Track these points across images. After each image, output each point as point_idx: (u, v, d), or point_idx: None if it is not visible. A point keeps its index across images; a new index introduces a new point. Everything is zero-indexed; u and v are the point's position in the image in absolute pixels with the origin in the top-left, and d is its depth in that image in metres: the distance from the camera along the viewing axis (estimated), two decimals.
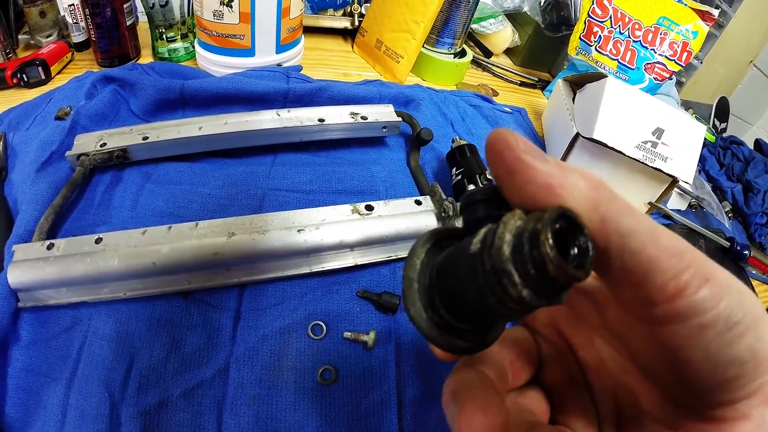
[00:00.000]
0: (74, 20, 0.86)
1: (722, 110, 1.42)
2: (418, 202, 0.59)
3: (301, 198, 0.65)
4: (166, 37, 0.90)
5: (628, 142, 0.74)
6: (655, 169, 0.75)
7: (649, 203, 0.83)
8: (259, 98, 0.77)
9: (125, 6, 0.82)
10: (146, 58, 0.91)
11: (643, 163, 0.74)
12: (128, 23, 0.84)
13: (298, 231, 0.53)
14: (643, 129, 0.76)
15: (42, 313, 0.49)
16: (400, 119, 0.74)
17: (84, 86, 0.74)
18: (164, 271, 0.50)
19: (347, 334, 0.53)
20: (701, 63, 1.35)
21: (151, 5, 0.84)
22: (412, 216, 0.57)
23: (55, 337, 0.48)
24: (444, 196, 0.59)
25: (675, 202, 0.91)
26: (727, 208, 0.98)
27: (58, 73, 0.83)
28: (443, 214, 0.57)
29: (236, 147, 0.69)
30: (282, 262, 0.54)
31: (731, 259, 0.81)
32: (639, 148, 0.75)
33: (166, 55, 0.92)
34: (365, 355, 0.52)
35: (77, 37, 0.88)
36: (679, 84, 1.38)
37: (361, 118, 0.71)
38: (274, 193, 0.65)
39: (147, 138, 0.64)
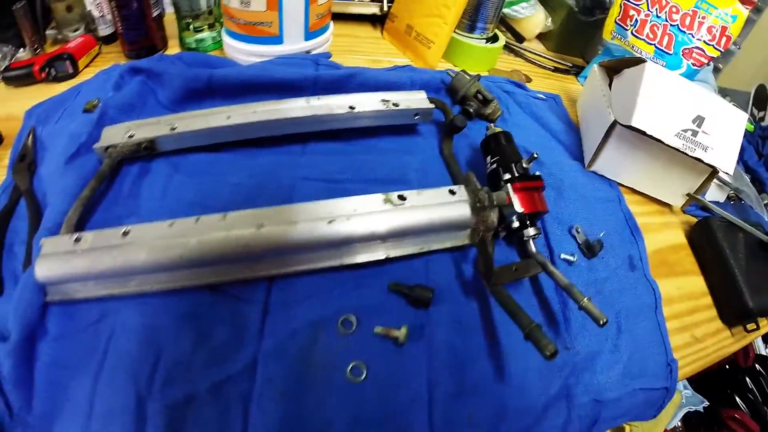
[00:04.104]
0: (101, 13, 0.85)
1: (761, 98, 1.36)
2: (452, 192, 0.57)
3: (332, 187, 0.63)
4: (193, 27, 0.89)
5: (668, 131, 0.71)
6: (695, 159, 0.71)
7: (688, 195, 0.79)
8: (287, 86, 0.75)
9: None
10: (173, 49, 0.90)
11: (683, 152, 0.71)
12: (154, 14, 0.83)
13: (329, 222, 0.51)
14: (684, 117, 0.72)
15: (69, 307, 0.49)
16: (432, 106, 0.71)
17: (112, 78, 0.73)
18: (192, 263, 0.49)
19: (378, 329, 0.51)
20: (739, 48, 1.29)
21: None
22: (446, 206, 0.55)
23: (83, 331, 0.48)
24: (479, 186, 0.56)
25: (713, 194, 0.87)
26: (766, 201, 0.94)
27: (86, 66, 0.82)
28: (478, 204, 0.55)
29: (265, 136, 0.67)
30: (312, 254, 0.53)
31: None
32: (679, 137, 0.71)
33: (194, 46, 0.90)
34: (396, 352, 0.51)
35: (104, 30, 0.87)
36: (716, 70, 1.33)
37: (393, 104, 0.68)
38: (304, 183, 0.63)
39: (175, 128, 0.62)
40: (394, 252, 0.55)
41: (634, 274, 0.67)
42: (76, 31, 0.86)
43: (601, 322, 0.48)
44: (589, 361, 0.56)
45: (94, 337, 0.47)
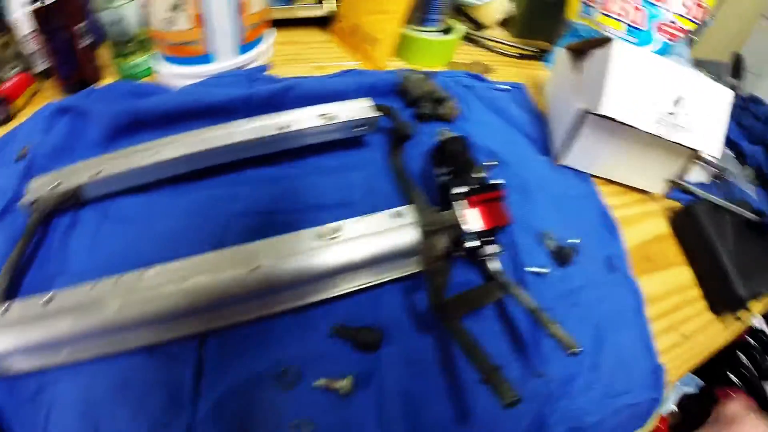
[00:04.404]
0: (35, 48, 0.78)
1: (737, 67, 1.30)
2: (397, 215, 0.51)
3: (268, 221, 0.57)
4: (127, 54, 0.83)
5: (644, 116, 0.65)
6: (676, 143, 0.65)
7: (670, 181, 0.73)
8: (219, 109, 0.69)
9: (78, 27, 0.75)
10: (112, 79, 0.84)
11: (662, 138, 0.65)
12: (85, 44, 0.77)
13: (251, 270, 0.45)
14: (660, 98, 0.66)
15: (9, 381, 0.44)
16: (378, 114, 0.65)
17: (43, 120, 0.68)
18: (115, 329, 0.44)
19: (318, 383, 0.45)
20: (712, 19, 1.23)
21: (110, 24, 0.77)
22: (389, 233, 0.49)
23: (23, 405, 0.43)
24: (428, 205, 0.50)
25: (697, 175, 0.81)
26: (751, 174, 0.89)
27: (25, 107, 0.76)
28: (426, 228, 0.48)
29: (195, 169, 0.61)
30: (240, 306, 0.47)
31: (759, 232, 0.71)
32: (656, 122, 0.65)
33: (130, 73, 0.84)
34: (342, 404, 0.45)
35: (41, 66, 0.80)
36: (690, 42, 1.26)
37: (332, 118, 0.62)
38: (237, 220, 0.57)
39: (99, 173, 0.57)
40: (334, 291, 0.49)
41: (613, 276, 0.61)
42: (14, 69, 0.80)
43: (572, 351, 0.42)
44: (565, 386, 0.50)
45: (33, 411, 0.43)
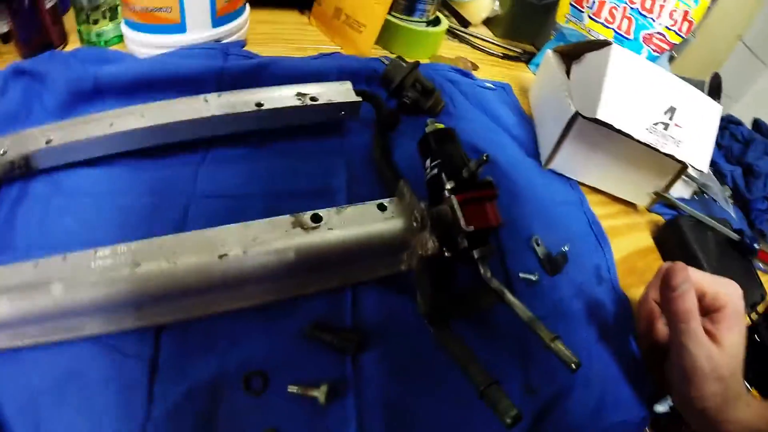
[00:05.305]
0: None
1: (715, 87, 1.31)
2: (382, 207, 0.46)
3: (234, 206, 0.52)
4: (92, 19, 0.75)
5: (638, 124, 0.62)
6: (667, 155, 0.63)
7: (655, 193, 0.71)
8: (188, 81, 0.63)
9: None
10: (74, 45, 0.77)
11: (654, 148, 0.62)
12: (49, 6, 0.70)
13: (220, 257, 0.39)
14: (654, 108, 0.64)
15: None
16: (360, 99, 0.60)
17: None
18: (60, 314, 0.38)
19: (292, 388, 0.40)
20: (694, 36, 1.24)
21: None
22: (374, 226, 0.44)
23: None
24: (415, 199, 0.45)
25: (679, 190, 0.80)
26: (728, 193, 0.89)
27: None
28: (414, 224, 0.44)
29: (159, 144, 0.55)
30: (202, 297, 0.41)
31: (740, 252, 0.71)
32: (650, 131, 0.62)
33: (94, 40, 0.77)
34: (317, 413, 0.40)
35: (1, 27, 0.73)
36: (671, 59, 1.27)
37: (311, 99, 0.57)
38: (200, 202, 0.52)
39: (50, 141, 0.51)
40: (310, 287, 0.43)
41: (601, 287, 0.58)
42: None
43: (573, 367, 0.38)
44: (558, 401, 0.46)
45: None
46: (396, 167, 0.57)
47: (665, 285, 0.46)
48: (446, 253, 0.45)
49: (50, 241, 0.47)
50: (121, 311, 0.40)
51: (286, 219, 0.43)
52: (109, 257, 0.39)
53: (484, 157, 0.46)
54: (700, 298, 0.45)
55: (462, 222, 0.44)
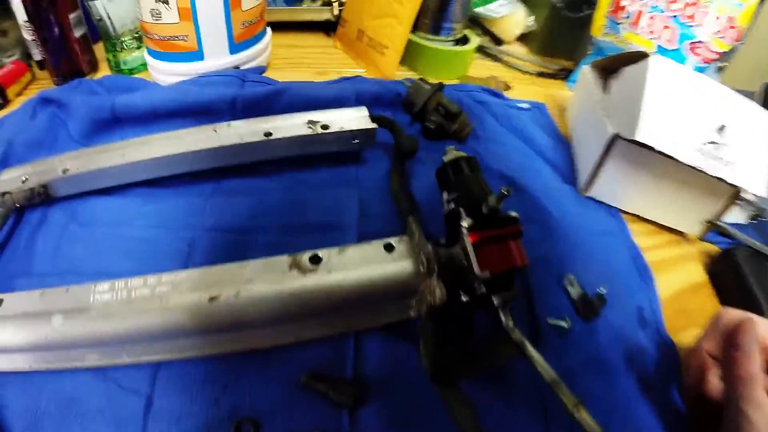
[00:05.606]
0: (32, 36, 0.75)
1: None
2: (389, 247, 0.41)
3: (238, 241, 0.49)
4: (120, 48, 0.78)
5: (684, 145, 0.56)
6: (718, 179, 0.56)
7: (707, 222, 0.64)
8: (202, 110, 0.62)
9: (72, 17, 0.71)
10: (105, 72, 0.80)
11: (703, 172, 0.56)
12: (78, 35, 0.74)
13: (210, 300, 0.36)
14: (702, 125, 0.57)
15: None
16: (375, 126, 0.57)
17: (28, 111, 0.66)
18: (59, 344, 0.38)
19: None
20: (743, 43, 1.15)
21: (98, 18, 0.74)
22: (377, 269, 0.40)
23: None
24: (423, 240, 0.41)
25: (734, 215, 0.71)
26: None
27: (19, 94, 0.75)
28: (421, 268, 0.39)
29: (169, 175, 0.54)
30: (194, 339, 0.39)
31: None
32: (697, 152, 0.56)
33: (123, 68, 0.80)
34: None
35: (38, 55, 0.78)
36: (719, 69, 1.18)
37: (322, 127, 0.54)
38: (204, 236, 0.50)
39: (67, 170, 0.53)
40: (308, 333, 0.40)
41: (644, 332, 0.51)
42: (11, 56, 0.78)
43: None
44: None
45: None
46: (412, 200, 0.53)
47: (729, 343, 0.40)
48: (463, 298, 0.41)
49: (63, 267, 0.48)
50: (115, 345, 0.39)
51: (284, 260, 0.39)
52: (107, 292, 0.39)
53: (505, 191, 0.41)
54: (765, 353, 0.39)
55: (475, 267, 0.39)
